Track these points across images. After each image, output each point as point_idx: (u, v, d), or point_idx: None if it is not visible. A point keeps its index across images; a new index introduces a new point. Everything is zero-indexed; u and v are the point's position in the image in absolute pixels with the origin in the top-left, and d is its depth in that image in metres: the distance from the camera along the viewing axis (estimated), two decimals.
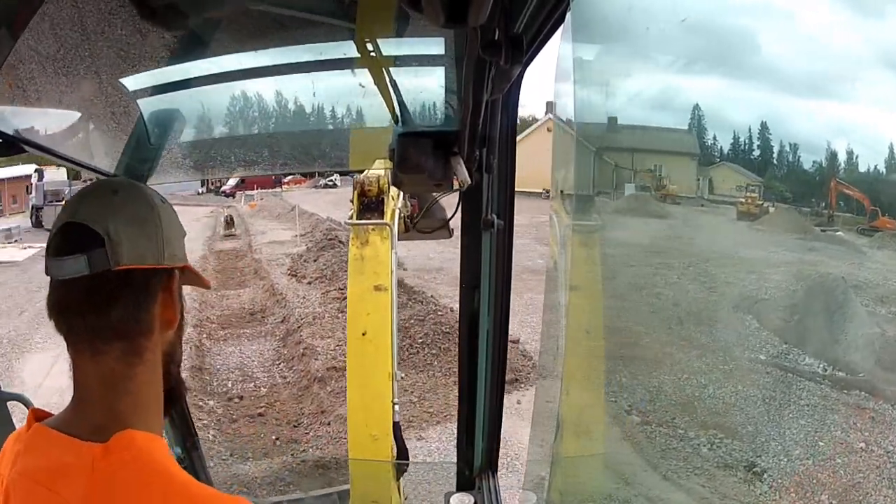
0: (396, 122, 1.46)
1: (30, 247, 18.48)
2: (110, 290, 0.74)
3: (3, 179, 26.72)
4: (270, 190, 31.93)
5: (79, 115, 1.46)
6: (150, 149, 1.70)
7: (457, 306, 2.22)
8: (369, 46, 1.25)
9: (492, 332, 2.11)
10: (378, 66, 1.32)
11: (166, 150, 1.75)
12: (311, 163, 2.39)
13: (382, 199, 3.14)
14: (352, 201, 3.23)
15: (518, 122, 1.90)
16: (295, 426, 7.20)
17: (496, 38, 0.82)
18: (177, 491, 0.72)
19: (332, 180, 34.49)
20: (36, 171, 23.99)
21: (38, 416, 0.78)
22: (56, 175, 23.74)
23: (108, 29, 1.10)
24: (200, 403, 7.55)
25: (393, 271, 3.02)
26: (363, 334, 2.84)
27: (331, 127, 1.71)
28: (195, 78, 1.45)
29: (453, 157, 1.33)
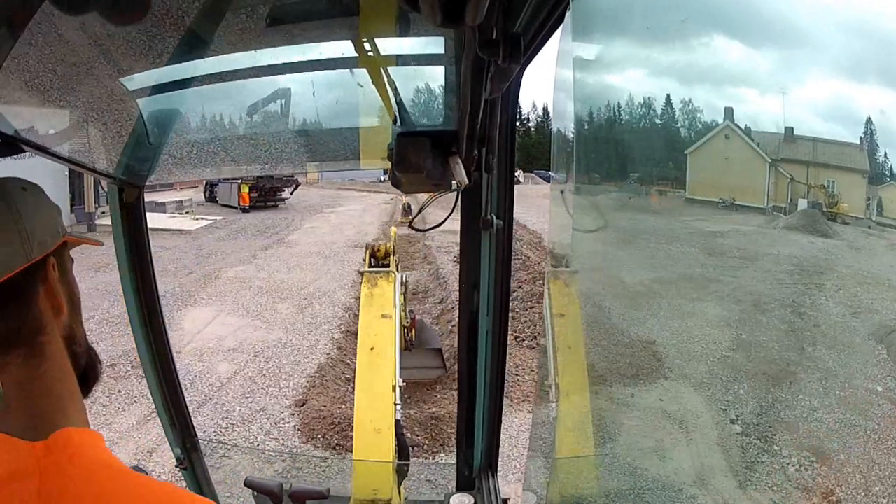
0: (395, 121, 1.46)
1: (201, 218, 20.11)
2: None
3: None
4: None
5: (79, 115, 1.46)
6: (149, 149, 1.70)
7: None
8: (368, 46, 1.25)
9: (491, 332, 2.11)
10: (377, 66, 1.32)
11: (166, 149, 1.75)
12: (310, 161, 2.40)
13: (388, 262, 4.81)
14: (363, 259, 5.03)
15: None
16: (428, 390, 8.07)
17: (494, 36, 0.81)
18: (120, 482, 0.74)
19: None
20: None
21: None
22: None
23: (108, 28, 1.10)
24: (348, 361, 8.77)
25: (396, 304, 3.94)
26: (371, 349, 3.50)
27: (329, 126, 1.71)
28: (195, 78, 1.45)
29: (452, 157, 1.32)
